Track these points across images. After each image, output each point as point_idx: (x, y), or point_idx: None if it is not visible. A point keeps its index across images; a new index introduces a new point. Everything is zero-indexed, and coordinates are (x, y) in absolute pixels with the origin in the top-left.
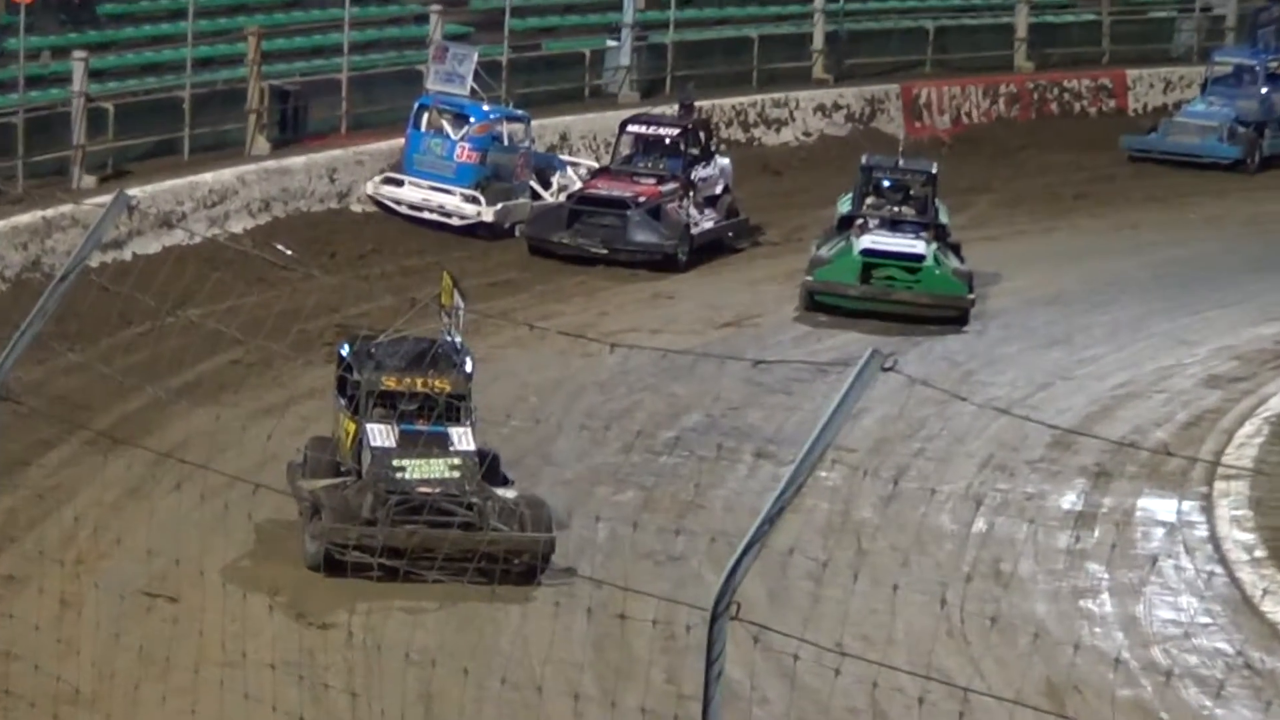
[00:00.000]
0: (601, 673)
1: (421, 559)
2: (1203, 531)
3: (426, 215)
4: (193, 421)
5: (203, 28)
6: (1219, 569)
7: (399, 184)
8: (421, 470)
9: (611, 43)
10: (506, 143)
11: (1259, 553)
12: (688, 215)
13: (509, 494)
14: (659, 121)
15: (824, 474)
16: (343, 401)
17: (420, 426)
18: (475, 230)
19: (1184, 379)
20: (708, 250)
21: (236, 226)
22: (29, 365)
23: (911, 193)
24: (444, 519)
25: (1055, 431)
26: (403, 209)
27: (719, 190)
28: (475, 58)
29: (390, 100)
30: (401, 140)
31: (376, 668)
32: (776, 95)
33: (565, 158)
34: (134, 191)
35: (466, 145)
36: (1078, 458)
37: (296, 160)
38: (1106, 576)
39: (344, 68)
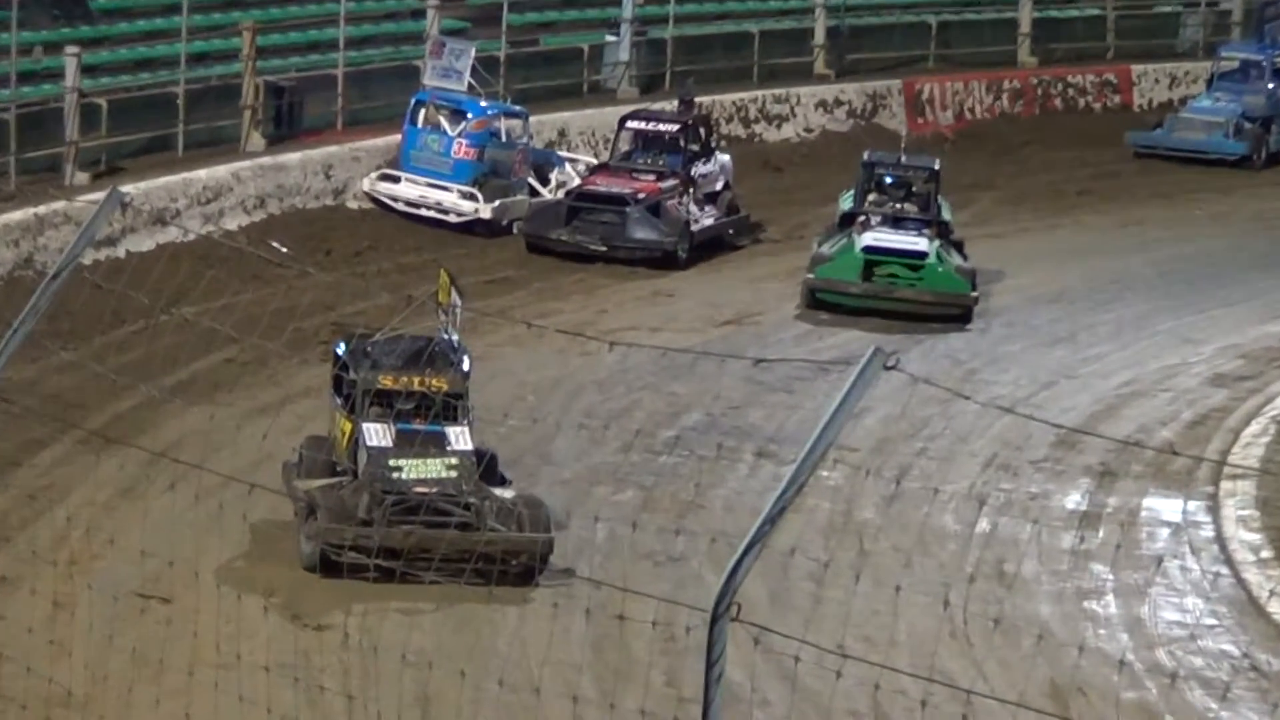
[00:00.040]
0: (600, 675)
1: (418, 560)
2: (1208, 532)
3: (423, 212)
4: (187, 421)
5: (197, 22)
6: (1225, 570)
7: (395, 180)
8: (418, 470)
9: (610, 38)
10: (504, 139)
11: (1265, 553)
12: (688, 212)
13: (507, 494)
14: (659, 117)
15: (825, 473)
16: (339, 400)
17: (417, 426)
18: (473, 227)
19: (1189, 377)
20: (708, 247)
21: (231, 224)
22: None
23: (914, 189)
24: (441, 519)
25: (1059, 431)
26: (399, 206)
27: (719, 187)
28: (473, 53)
29: (387, 96)
30: (398, 136)
31: (373, 670)
32: (777, 91)
33: (564, 154)
34: (127, 188)
35: (464, 141)
36: (1082, 457)
37: (292, 157)
38: (1111, 577)
39: (340, 63)
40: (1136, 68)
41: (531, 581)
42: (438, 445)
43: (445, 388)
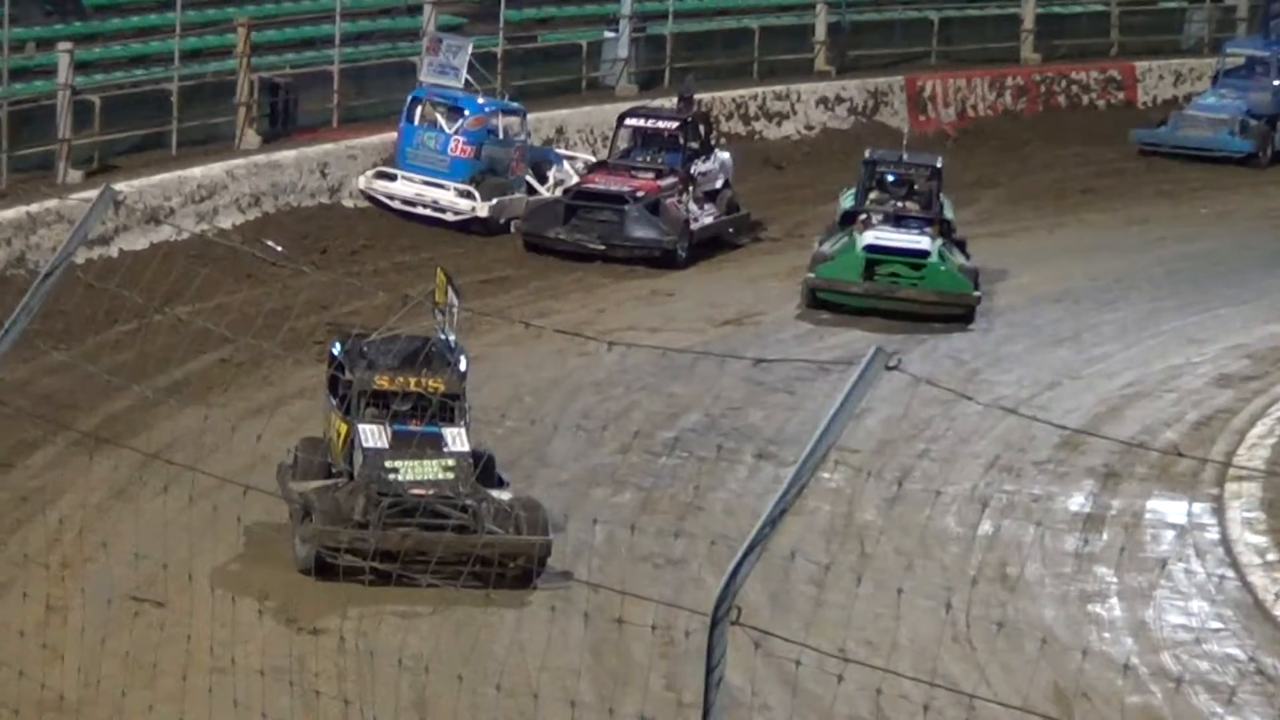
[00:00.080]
0: (599, 679)
1: (415, 562)
2: (1214, 534)
3: (420, 210)
4: (181, 422)
5: (191, 19)
6: (1230, 573)
7: (392, 179)
8: (415, 472)
9: (609, 34)
10: (502, 136)
11: (1271, 556)
12: (687, 210)
13: (504, 496)
14: (658, 115)
15: (826, 475)
16: (334, 401)
17: (413, 427)
18: (470, 226)
19: (1194, 378)
20: (707, 246)
21: (225, 222)
22: (13, 364)
23: (916, 187)
24: (437, 522)
25: (1063, 432)
26: (396, 204)
27: (719, 185)
28: (470, 49)
29: (383, 93)
30: (394, 134)
31: (369, 674)
32: (778, 88)
33: (562, 152)
34: (120, 186)
35: (461, 139)
36: (1086, 459)
37: (287, 154)
38: (1115, 580)
39: (335, 60)
40: (1141, 64)
41: (529, 584)
42: (434, 447)
43: (442, 388)
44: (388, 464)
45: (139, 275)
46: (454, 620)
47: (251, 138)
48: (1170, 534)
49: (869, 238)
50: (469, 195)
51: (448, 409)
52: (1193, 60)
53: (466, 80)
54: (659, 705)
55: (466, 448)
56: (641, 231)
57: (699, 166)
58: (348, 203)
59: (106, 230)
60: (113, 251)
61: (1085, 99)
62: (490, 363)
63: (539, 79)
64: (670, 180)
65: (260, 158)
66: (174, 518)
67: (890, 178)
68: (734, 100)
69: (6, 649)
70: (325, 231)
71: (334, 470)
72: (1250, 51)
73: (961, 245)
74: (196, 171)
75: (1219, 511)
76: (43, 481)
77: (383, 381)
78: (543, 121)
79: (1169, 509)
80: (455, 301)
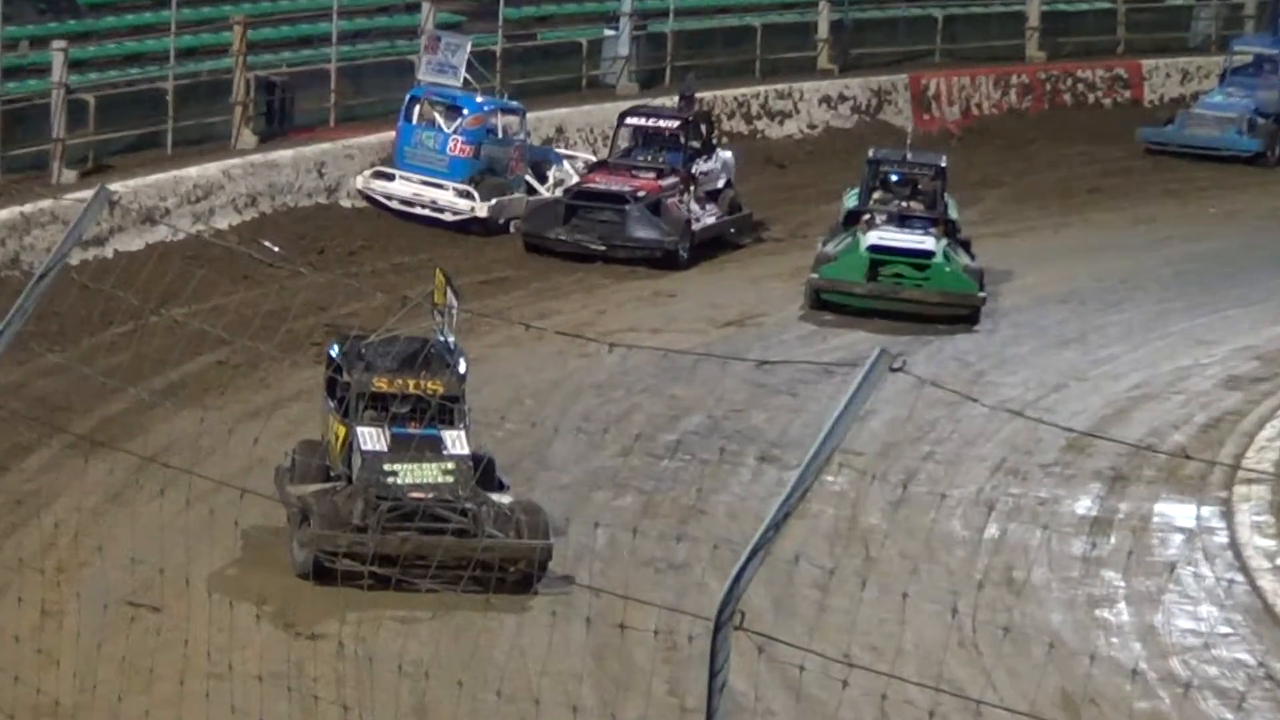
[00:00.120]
0: (601, 684)
1: (414, 567)
2: (1222, 538)
3: (418, 211)
4: (177, 424)
5: (186, 17)
6: (1239, 577)
7: (390, 178)
8: (414, 475)
9: (609, 32)
10: (501, 136)
11: None
12: (689, 210)
13: (504, 499)
14: (659, 114)
15: (830, 478)
16: (332, 404)
17: (412, 430)
18: (469, 226)
19: (1202, 379)
20: (709, 246)
21: (222, 222)
22: (7, 366)
23: (920, 187)
24: (437, 525)
25: (1069, 434)
26: (394, 204)
27: (721, 184)
28: (468, 48)
29: (381, 92)
30: (392, 133)
31: (368, 679)
32: (780, 86)
33: (562, 151)
34: (115, 186)
35: (459, 138)
36: (1093, 461)
37: (283, 154)
38: (1123, 585)
39: (333, 58)
40: (1147, 62)
41: (530, 589)
42: (433, 449)
43: (441, 390)
44: (386, 467)
45: (134, 276)
46: (454, 625)
47: (248, 137)
48: (1178, 538)
49: (873, 238)
50: (468, 195)
51: (447, 411)
52: (1200, 58)
53: (465, 79)
54: (662, 711)
55: (466, 450)
56: (643, 232)
57: (700, 166)
58: (345, 203)
59: (101, 231)
60: (108, 252)
61: (1091, 97)
62: (490, 364)
63: (538, 77)
64: (671, 180)
65: (257, 157)
66: (170, 521)
67: (894, 177)
68: (736, 99)
69: (2, 654)
70: (323, 232)
71: (332, 473)
72: (1258, 49)
73: (966, 245)
74: (192, 171)
75: (1228, 515)
76: (37, 485)
77: (381, 384)
78: (542, 120)
79: (1177, 512)
80: (454, 303)
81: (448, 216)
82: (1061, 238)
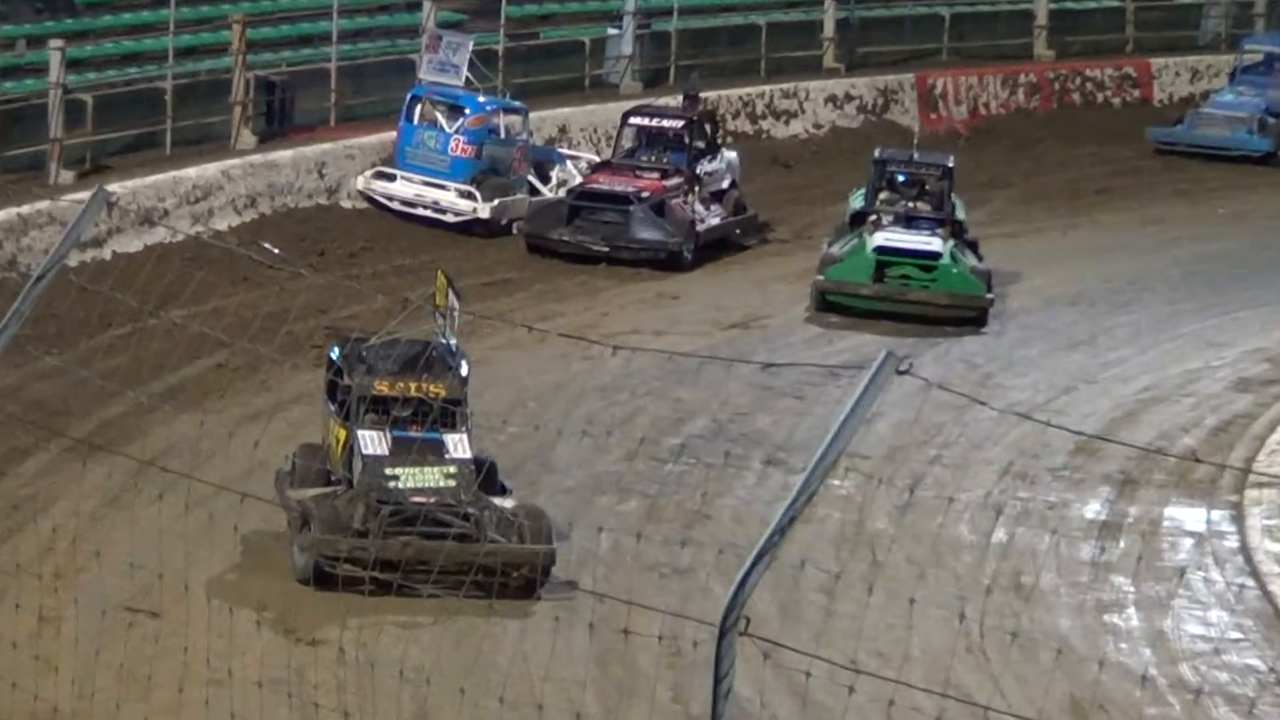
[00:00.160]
0: (604, 691)
1: (416, 572)
2: (1233, 542)
3: (420, 212)
4: (176, 428)
5: (185, 16)
6: (1250, 581)
7: (391, 179)
8: (415, 479)
9: (613, 30)
10: (503, 136)
11: None
12: (693, 211)
13: (507, 504)
14: (663, 113)
15: (836, 482)
16: (333, 407)
17: (414, 433)
18: (471, 227)
19: (1213, 382)
20: (714, 248)
21: (221, 224)
22: (4, 369)
23: (927, 187)
24: (439, 530)
25: (1078, 437)
26: (395, 205)
27: (725, 185)
28: (470, 47)
29: (382, 91)
30: (393, 133)
31: (369, 686)
32: (786, 85)
33: (565, 151)
34: (113, 187)
35: (461, 138)
36: (1102, 465)
37: (283, 154)
38: (1132, 589)
39: (333, 57)
40: (1157, 61)
41: (533, 594)
42: (435, 453)
43: (443, 393)
44: (388, 471)
45: (133, 278)
46: (456, 631)
47: (247, 137)
48: (1188, 542)
49: (879, 239)
50: (470, 196)
51: (449, 415)
52: (1210, 57)
53: (467, 78)
54: (666, 717)
55: (468, 454)
56: (646, 233)
57: (705, 166)
58: (346, 204)
59: (99, 232)
60: (106, 254)
61: (1100, 97)
62: (492, 367)
63: (541, 77)
64: (676, 180)
65: (256, 158)
66: (169, 526)
67: (901, 178)
68: (741, 98)
69: None
70: (323, 233)
71: (333, 477)
72: (1269, 48)
73: (974, 246)
74: (191, 172)
75: (1238, 519)
76: (35, 489)
77: (382, 386)
78: (545, 120)
79: (1187, 516)
80: (456, 305)
81: (449, 217)
82: (1070, 239)
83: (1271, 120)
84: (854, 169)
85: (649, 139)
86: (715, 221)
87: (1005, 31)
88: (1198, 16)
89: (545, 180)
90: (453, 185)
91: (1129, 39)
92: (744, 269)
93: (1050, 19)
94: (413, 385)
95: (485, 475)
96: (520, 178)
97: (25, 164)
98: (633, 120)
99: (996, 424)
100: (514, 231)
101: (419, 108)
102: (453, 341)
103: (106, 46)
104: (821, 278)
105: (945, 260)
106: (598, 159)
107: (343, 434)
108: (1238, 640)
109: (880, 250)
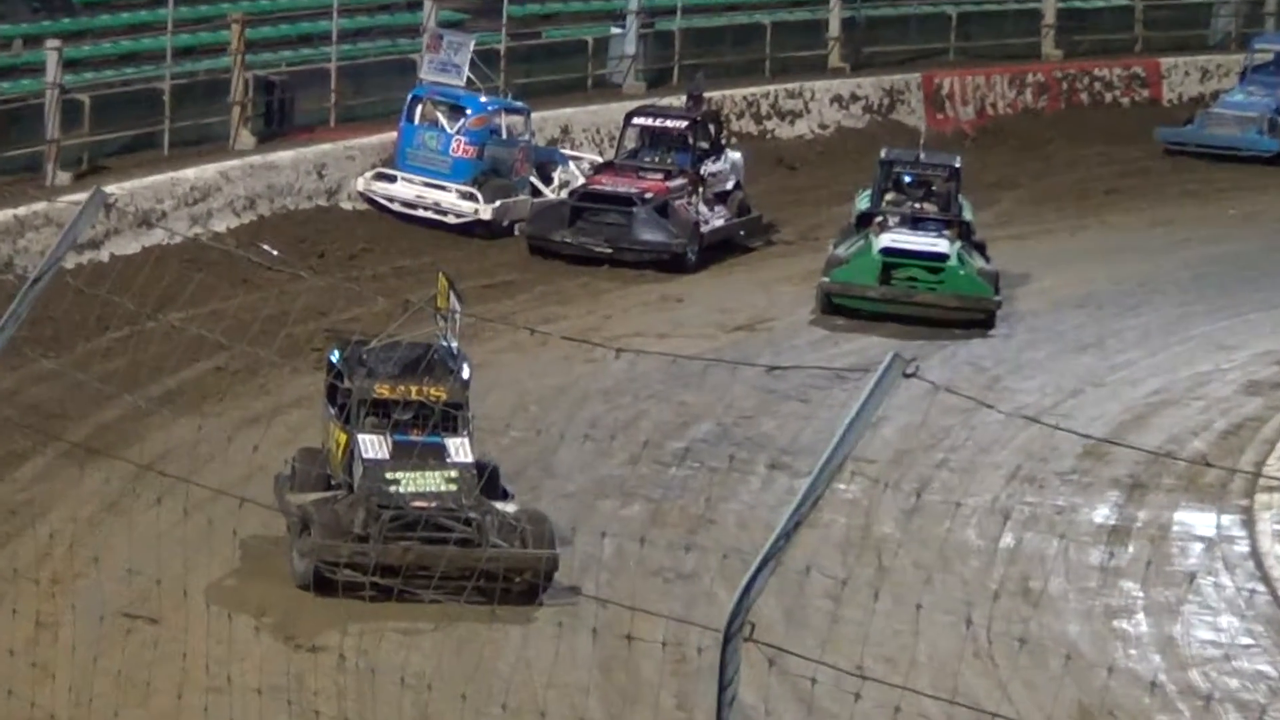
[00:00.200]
0: (608, 697)
1: (417, 577)
2: (1243, 547)
3: (421, 213)
4: (174, 432)
5: (183, 15)
6: (1261, 587)
7: (391, 180)
8: (416, 483)
9: (616, 30)
10: (505, 136)
11: None
12: (697, 212)
13: (509, 508)
14: (666, 113)
15: (842, 486)
16: (333, 411)
17: (415, 437)
18: (472, 229)
19: (1223, 385)
20: (718, 249)
21: (220, 225)
22: (1, 373)
23: (933, 188)
24: (440, 535)
25: (1087, 441)
26: (395, 206)
27: (730, 186)
28: (472, 46)
29: (382, 91)
30: (394, 134)
31: (369, 692)
32: (790, 85)
33: (567, 152)
34: (111, 188)
35: (463, 139)
36: (1110, 469)
37: (283, 155)
38: (1142, 595)
39: (333, 57)
40: (1166, 61)
41: (535, 600)
42: (436, 457)
43: (444, 397)
44: (388, 475)
45: (131, 280)
46: (457, 637)
47: (246, 138)
48: (1198, 547)
49: (885, 240)
50: (471, 197)
51: (450, 418)
52: (1220, 56)
53: (468, 78)
54: None
55: (470, 458)
56: (650, 234)
57: (709, 167)
58: (346, 205)
59: (97, 234)
60: (103, 256)
61: (1109, 96)
62: (494, 370)
63: (543, 77)
64: (679, 181)
65: (255, 159)
66: (168, 531)
67: (907, 178)
68: (745, 98)
69: None
70: (323, 235)
71: (333, 482)
72: (1279, 47)
73: (981, 248)
74: (190, 173)
75: (1249, 523)
76: (32, 494)
77: (383, 390)
78: (547, 121)
79: (1197, 521)
80: (457, 307)
81: (451, 219)
82: (1078, 240)
83: None
84: (860, 170)
85: (652, 139)
86: (719, 223)
87: (1013, 31)
88: (1207, 15)
89: (547, 181)
90: (454, 186)
91: (1138, 38)
92: (749, 271)
93: (1058, 18)
94: (414, 388)
95: (487, 479)
96: (522, 179)
97: (22, 165)
98: (636, 120)
99: (1004, 427)
100: (516, 233)
101: (420, 108)
102: (454, 344)
103: (104, 46)
104: (827, 279)
105: (952, 262)
106: (600, 160)
107: (343, 438)
108: (1248, 646)
109: (886, 252)
